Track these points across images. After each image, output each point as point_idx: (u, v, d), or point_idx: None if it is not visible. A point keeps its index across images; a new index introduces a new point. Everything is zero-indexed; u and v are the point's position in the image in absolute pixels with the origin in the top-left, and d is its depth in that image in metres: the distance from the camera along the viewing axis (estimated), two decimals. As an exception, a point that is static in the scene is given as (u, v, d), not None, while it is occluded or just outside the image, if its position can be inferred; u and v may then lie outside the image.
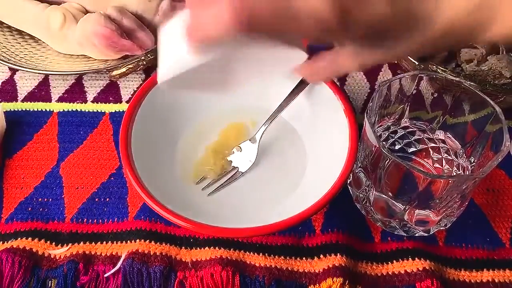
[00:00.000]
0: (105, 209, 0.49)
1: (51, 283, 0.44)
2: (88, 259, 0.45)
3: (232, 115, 0.53)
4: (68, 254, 0.45)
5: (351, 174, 0.45)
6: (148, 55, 0.59)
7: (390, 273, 0.44)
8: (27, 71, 0.58)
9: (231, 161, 0.50)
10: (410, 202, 0.42)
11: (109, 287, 0.43)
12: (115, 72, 0.58)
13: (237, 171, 0.49)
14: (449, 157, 0.47)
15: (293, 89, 0.49)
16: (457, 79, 0.46)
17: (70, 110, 0.57)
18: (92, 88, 0.60)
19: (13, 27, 0.63)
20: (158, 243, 0.45)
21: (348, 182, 0.48)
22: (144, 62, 0.59)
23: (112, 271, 0.44)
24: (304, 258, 0.46)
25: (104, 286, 0.43)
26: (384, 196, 0.43)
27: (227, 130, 0.52)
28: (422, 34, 0.30)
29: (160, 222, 0.47)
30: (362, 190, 0.45)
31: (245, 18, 0.25)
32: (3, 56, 0.59)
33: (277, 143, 0.51)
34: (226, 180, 0.49)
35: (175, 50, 0.31)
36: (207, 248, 0.45)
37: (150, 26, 0.62)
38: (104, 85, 0.60)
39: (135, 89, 0.60)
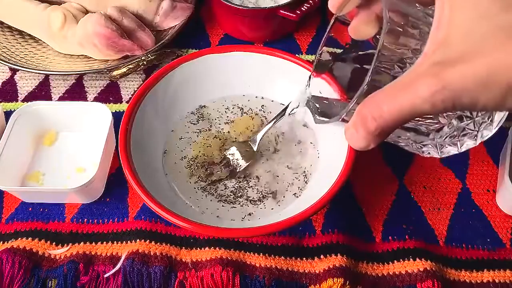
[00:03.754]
0: (105, 209, 0.49)
1: (51, 283, 0.44)
2: (88, 259, 0.45)
3: (232, 115, 0.53)
4: (68, 254, 0.45)
5: None
6: (148, 55, 0.59)
7: (391, 273, 0.44)
8: (27, 71, 0.59)
9: (231, 162, 0.49)
10: None
11: (109, 287, 0.43)
12: (115, 72, 0.58)
13: (237, 171, 0.49)
14: None
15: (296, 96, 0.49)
16: None
17: (70, 110, 0.57)
18: (93, 88, 0.60)
19: (13, 27, 0.63)
20: (158, 243, 0.45)
21: None
22: (145, 62, 0.59)
23: (112, 271, 0.44)
24: (304, 258, 0.46)
25: (104, 286, 0.43)
26: None
27: (227, 130, 0.52)
28: None
29: (160, 222, 0.47)
30: None
31: (376, 140, 0.31)
32: (4, 56, 0.59)
33: (276, 143, 0.51)
34: (226, 181, 0.49)
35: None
36: (207, 248, 0.45)
37: (150, 26, 0.62)
38: (104, 85, 0.60)
39: (135, 89, 0.60)
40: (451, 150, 0.39)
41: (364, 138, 0.31)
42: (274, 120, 0.49)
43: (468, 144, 0.39)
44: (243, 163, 0.49)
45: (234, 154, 0.49)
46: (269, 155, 0.50)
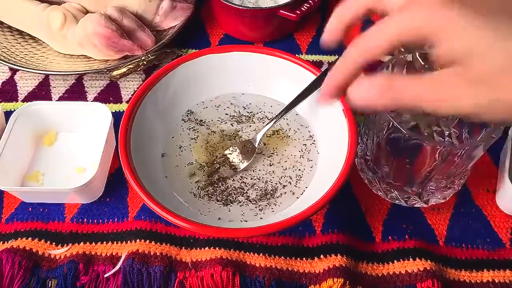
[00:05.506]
0: (105, 209, 0.49)
1: (51, 283, 0.44)
2: (88, 259, 0.45)
3: (232, 115, 0.53)
4: (68, 254, 0.45)
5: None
6: (148, 55, 0.59)
7: (391, 273, 0.44)
8: (27, 71, 0.59)
9: (231, 161, 0.50)
10: None
11: (109, 287, 0.43)
12: (115, 72, 0.58)
13: (237, 170, 0.49)
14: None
15: (297, 96, 0.49)
16: None
17: (70, 110, 0.57)
18: (92, 88, 0.60)
19: (13, 27, 0.63)
20: (158, 243, 0.45)
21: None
22: (145, 62, 0.59)
23: (112, 271, 0.44)
24: (304, 258, 0.46)
25: (104, 286, 0.43)
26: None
27: (227, 129, 0.52)
28: None
29: (160, 222, 0.47)
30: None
31: (374, 104, 0.31)
32: (3, 56, 0.59)
33: (276, 143, 0.51)
34: (226, 180, 0.49)
35: None
36: (207, 248, 0.45)
37: (150, 26, 0.62)
38: (104, 85, 0.60)
39: (135, 89, 0.60)
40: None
41: (369, 94, 0.31)
42: (275, 120, 0.49)
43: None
44: (243, 163, 0.49)
45: (234, 153, 0.49)
46: (269, 155, 0.50)
